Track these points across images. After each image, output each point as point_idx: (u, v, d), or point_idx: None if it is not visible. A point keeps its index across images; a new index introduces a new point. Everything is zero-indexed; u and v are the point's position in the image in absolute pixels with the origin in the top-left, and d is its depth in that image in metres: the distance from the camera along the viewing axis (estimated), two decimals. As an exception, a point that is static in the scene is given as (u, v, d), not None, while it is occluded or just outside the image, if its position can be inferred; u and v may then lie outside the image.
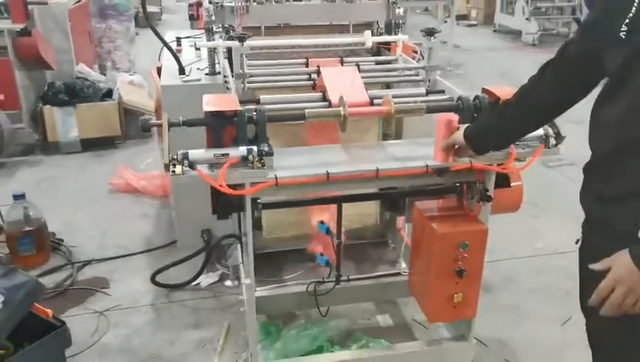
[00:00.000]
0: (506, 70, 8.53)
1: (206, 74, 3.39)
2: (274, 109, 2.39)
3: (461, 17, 12.24)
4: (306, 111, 2.28)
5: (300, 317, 3.16)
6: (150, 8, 12.26)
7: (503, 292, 3.50)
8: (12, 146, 5.38)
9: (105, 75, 6.74)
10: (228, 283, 3.52)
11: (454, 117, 2.24)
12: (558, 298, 3.41)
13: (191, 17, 5.54)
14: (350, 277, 3.02)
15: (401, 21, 3.34)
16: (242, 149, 2.12)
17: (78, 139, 5.50)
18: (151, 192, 4.60)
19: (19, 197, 3.63)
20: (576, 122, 6.70)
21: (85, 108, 5.54)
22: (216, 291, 3.45)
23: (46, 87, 5.63)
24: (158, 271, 3.44)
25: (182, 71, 3.37)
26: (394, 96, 2.57)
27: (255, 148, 2.12)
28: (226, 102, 2.21)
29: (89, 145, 5.57)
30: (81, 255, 3.85)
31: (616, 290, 1.60)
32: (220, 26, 3.25)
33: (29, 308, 2.27)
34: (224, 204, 2.30)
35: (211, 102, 2.19)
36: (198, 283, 3.49)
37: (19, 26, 5.13)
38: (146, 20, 3.69)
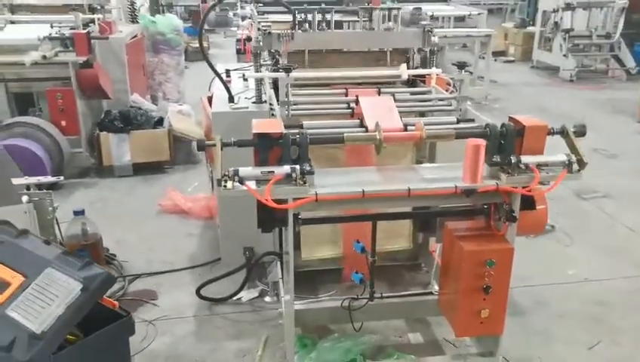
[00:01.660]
0: (543, 105, 8.64)
1: (253, 102, 3.66)
2: (315, 133, 2.62)
3: (499, 54, 12.42)
4: (345, 135, 2.50)
5: (334, 331, 3.33)
6: (196, 44, 12.92)
7: (534, 315, 3.60)
8: (70, 169, 5.77)
9: (157, 104, 7.14)
10: (267, 298, 3.72)
11: (482, 142, 2.43)
12: (586, 324, 3.50)
13: (238, 51, 5.90)
14: (383, 294, 3.19)
15: (436, 48, 3.56)
16: (286, 168, 2.35)
17: (130, 163, 5.85)
18: (197, 213, 4.87)
19: (78, 213, 3.93)
20: (609, 156, 6.81)
21: (138, 134, 5.90)
22: (256, 306, 3.65)
23: (103, 115, 6.03)
24: (203, 285, 3.66)
25: (231, 99, 3.65)
26: (426, 124, 2.79)
27: (298, 167, 2.35)
28: (272, 125, 2.45)
29: (140, 169, 5.91)
30: (131, 269, 4.11)
31: None
32: (267, 50, 3.52)
33: (101, 297, 2.52)
34: (269, 218, 2.53)
35: (259, 126, 2.45)
36: (240, 298, 3.70)
37: (82, 59, 5.54)
38: (202, 54, 3.99)
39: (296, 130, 2.50)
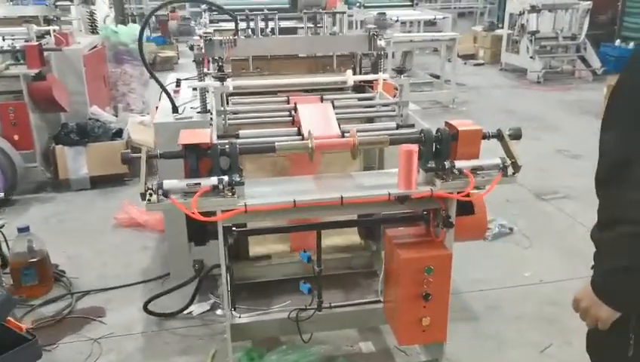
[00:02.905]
0: (511, 107, 8.68)
1: (198, 112, 3.59)
2: (248, 143, 2.56)
3: (469, 57, 12.49)
4: (277, 144, 2.44)
5: (284, 342, 3.27)
6: (167, 53, 12.84)
7: (486, 320, 3.57)
8: (25, 184, 5.64)
9: (117, 115, 7.04)
10: (219, 311, 3.64)
11: (414, 147, 2.39)
12: (539, 326, 3.48)
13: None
14: (332, 304, 3.12)
15: (383, 52, 3.51)
16: (213, 179, 2.29)
17: (87, 176, 5.74)
18: (152, 226, 4.78)
19: (23, 229, 3.83)
20: (572, 156, 6.82)
21: (95, 147, 5.79)
22: (207, 319, 3.58)
23: (59, 128, 5.91)
24: (150, 300, 3.58)
25: (175, 110, 3.58)
26: (365, 130, 2.75)
27: (225, 178, 2.29)
28: (200, 136, 2.38)
29: (98, 182, 5.80)
30: (82, 285, 4.01)
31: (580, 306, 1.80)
32: (210, 58, 3.46)
33: (2, 319, 2.43)
34: (201, 230, 2.46)
35: (186, 136, 2.38)
36: (190, 312, 3.62)
37: (33, 71, 5.43)
38: (144, 64, 3.92)
39: (226, 141, 2.44)
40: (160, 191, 2.24)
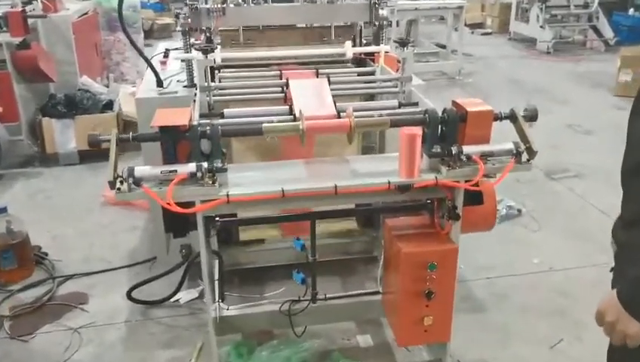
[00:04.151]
0: (518, 78, 8.35)
1: (184, 86, 3.31)
2: (233, 123, 2.30)
3: (476, 26, 12.10)
4: (263, 125, 2.18)
5: (277, 336, 3.06)
6: (165, 20, 12.45)
7: (493, 310, 3.34)
8: (11, 158, 5.40)
9: (108, 86, 6.75)
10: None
11: (417, 131, 2.13)
12: (550, 318, 3.26)
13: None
14: (327, 295, 2.90)
15: (385, 22, 3.23)
16: (191, 166, 2.04)
17: (76, 150, 5.49)
18: (142, 205, 4.54)
19: (1, 210, 3.60)
20: (583, 132, 6.52)
21: (84, 119, 5.52)
22: (195, 308, 3.36)
23: (47, 99, 5.65)
24: (134, 287, 3.36)
25: (159, 83, 3.31)
26: (362, 109, 2.48)
27: (205, 164, 2.04)
28: (178, 116, 2.12)
29: (88, 156, 5.53)
30: (65, 269, 3.79)
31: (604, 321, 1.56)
32: (197, 29, 3.18)
33: None
34: (179, 221, 2.22)
35: (162, 117, 2.12)
36: (178, 300, 3.41)
37: (17, 39, 5.15)
38: (125, 33, 3.62)
39: (207, 121, 2.19)
40: (131, 180, 1.99)
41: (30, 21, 5.47)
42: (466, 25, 10.57)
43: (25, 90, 5.47)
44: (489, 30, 11.93)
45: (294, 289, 2.92)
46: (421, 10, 8.75)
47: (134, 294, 3.37)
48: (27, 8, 5.51)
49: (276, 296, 3.19)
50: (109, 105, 5.82)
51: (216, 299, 2.91)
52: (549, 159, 5.28)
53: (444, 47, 9.13)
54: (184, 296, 3.43)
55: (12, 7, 5.45)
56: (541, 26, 9.94)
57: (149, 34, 11.36)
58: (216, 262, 3.26)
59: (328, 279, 3.48)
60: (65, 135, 5.46)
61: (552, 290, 3.51)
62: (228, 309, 2.86)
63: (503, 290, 3.52)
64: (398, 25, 9.28)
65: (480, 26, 12.19)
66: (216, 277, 3.16)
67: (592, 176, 5.03)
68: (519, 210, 4.42)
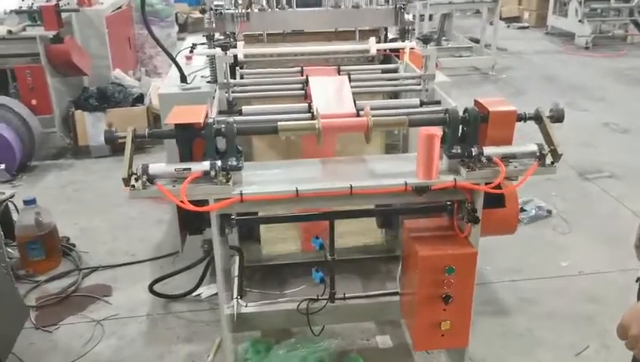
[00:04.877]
0: (553, 74, 8.13)
1: (207, 82, 3.31)
2: (249, 121, 2.29)
3: (513, 19, 11.84)
4: (279, 124, 2.16)
5: (296, 334, 3.04)
6: (200, 14, 12.53)
7: (516, 315, 3.26)
8: (45, 150, 5.52)
9: (140, 80, 6.83)
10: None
11: (437, 131, 2.08)
12: (576, 324, 3.16)
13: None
14: (346, 295, 2.87)
15: (410, 27, 3.19)
16: (205, 164, 2.03)
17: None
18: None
19: (29, 202, 3.67)
20: (620, 131, 6.31)
21: (115, 112, 5.60)
22: (216, 303, 3.35)
23: (80, 93, 5.75)
24: (156, 281, 3.39)
25: (183, 79, 3.31)
26: (383, 108, 2.44)
27: (219, 162, 2.02)
28: (194, 113, 2.12)
29: (119, 149, 5.59)
30: (90, 261, 3.85)
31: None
32: (222, 33, 3.18)
33: None
34: (194, 219, 2.22)
35: (178, 114, 2.12)
36: (199, 295, 3.42)
37: (51, 33, 5.23)
38: (147, 28, 3.64)
39: (223, 119, 2.17)
40: (145, 177, 2.00)
41: (64, 15, 5.56)
42: (502, 18, 10.36)
43: (59, 83, 5.57)
44: (526, 24, 11.65)
45: (315, 287, 2.90)
46: (455, 3, 8.59)
47: (156, 288, 3.39)
48: (61, 2, 5.60)
49: (296, 294, 3.19)
50: (139, 99, 5.89)
51: (235, 295, 2.92)
52: (582, 158, 5.14)
53: (477, 41, 8.95)
54: (205, 291, 3.44)
55: (47, 2, 5.55)
56: (580, 20, 9.64)
57: (184, 27, 11.42)
58: (237, 258, 3.29)
59: (349, 278, 3.45)
60: (96, 128, 5.53)
61: (580, 295, 3.41)
62: (246, 306, 2.86)
63: (528, 294, 3.43)
64: (431, 19, 9.16)
65: (517, 19, 11.92)
66: (236, 273, 3.18)
67: (628, 178, 4.88)
68: (549, 211, 4.31)
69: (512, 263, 3.71)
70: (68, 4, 5.90)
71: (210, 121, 2.08)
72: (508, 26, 11.44)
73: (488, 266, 3.66)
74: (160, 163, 2.06)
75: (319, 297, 2.77)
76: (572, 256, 3.81)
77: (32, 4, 5.50)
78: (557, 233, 4.12)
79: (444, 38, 9.34)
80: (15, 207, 3.97)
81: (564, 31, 10.27)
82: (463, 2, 8.67)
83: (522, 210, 4.25)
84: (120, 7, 7.13)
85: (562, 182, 4.75)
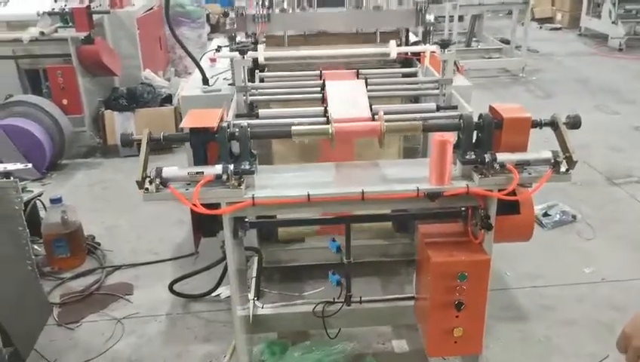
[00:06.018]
0: (585, 77, 7.98)
1: (229, 84, 3.35)
2: (261, 125, 2.31)
3: (546, 20, 11.65)
4: (293, 128, 2.17)
5: (311, 336, 3.06)
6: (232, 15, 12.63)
7: (535, 322, 3.21)
8: (75, 148, 5.64)
9: (169, 80, 6.93)
10: (248, 295, 3.46)
11: (450, 137, 2.07)
12: (596, 333, 3.10)
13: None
14: (363, 298, 2.87)
15: (431, 28, 3.18)
16: (217, 167, 2.06)
17: (135, 143, 5.65)
18: (192, 198, 4.64)
19: (56, 200, 3.76)
20: (650, 136, 6.01)
21: (143, 113, 5.70)
22: (234, 304, 3.40)
23: (110, 92, 5.87)
24: (176, 281, 3.44)
25: (205, 81, 3.36)
26: (399, 112, 2.44)
27: (231, 166, 2.05)
28: (208, 117, 2.15)
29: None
30: (115, 259, 3.93)
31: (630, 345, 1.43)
32: (244, 34, 3.22)
33: None
34: (208, 222, 2.25)
35: (193, 118, 2.15)
36: (218, 295, 3.46)
37: (82, 34, 5.35)
38: (170, 29, 3.70)
39: (238, 122, 2.20)
40: (158, 180, 2.03)
41: (96, 17, 5.68)
42: (534, 19, 10.19)
43: (89, 83, 5.69)
44: (558, 25, 11.45)
45: (334, 289, 2.91)
46: (485, 5, 8.49)
47: (176, 287, 3.45)
48: (93, 4, 5.72)
49: (312, 296, 3.21)
50: (168, 99, 5.98)
51: (252, 296, 2.95)
52: (611, 162, 5.04)
53: (508, 42, 8.83)
54: (224, 291, 3.47)
55: (80, 3, 5.67)
56: (613, 22, 9.43)
57: (216, 28, 11.53)
58: (255, 259, 3.33)
59: (366, 281, 3.47)
60: (125, 127, 5.64)
61: (602, 303, 3.35)
62: (262, 308, 2.89)
63: (549, 300, 3.38)
64: (461, 20, 9.07)
65: (549, 20, 11.73)
66: (254, 274, 3.21)
67: (658, 183, 4.77)
68: (574, 216, 4.23)
69: (533, 269, 3.66)
70: (100, 5, 6.02)
71: (224, 125, 2.11)
72: (540, 27, 11.27)
73: (509, 272, 3.63)
74: (173, 166, 2.10)
75: (335, 300, 2.79)
76: (596, 262, 3.74)
77: (65, 6, 5.63)
78: (581, 239, 4.05)
79: (474, 39, 9.24)
80: (43, 204, 4.09)
81: (598, 32, 10.07)
82: (494, 3, 8.55)
83: (546, 214, 4.20)
84: (151, 9, 7.25)
85: (589, 187, 4.67)
